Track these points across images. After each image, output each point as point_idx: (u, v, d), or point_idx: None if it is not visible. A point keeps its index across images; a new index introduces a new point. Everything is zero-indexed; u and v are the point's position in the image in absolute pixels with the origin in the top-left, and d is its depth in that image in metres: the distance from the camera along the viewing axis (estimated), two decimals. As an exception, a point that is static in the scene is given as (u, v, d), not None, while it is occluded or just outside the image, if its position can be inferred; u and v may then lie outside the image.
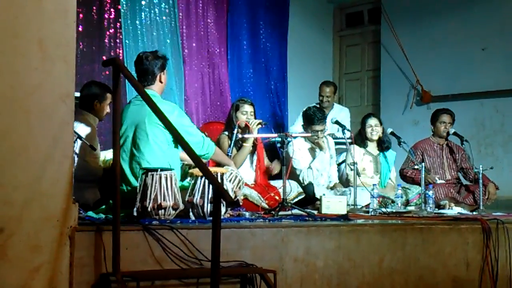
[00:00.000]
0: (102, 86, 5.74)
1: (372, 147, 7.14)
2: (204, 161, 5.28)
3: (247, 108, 6.37)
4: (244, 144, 6.23)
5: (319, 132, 6.73)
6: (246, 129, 6.24)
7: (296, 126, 8.16)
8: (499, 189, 7.19)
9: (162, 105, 4.74)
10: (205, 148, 5.02)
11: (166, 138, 4.82)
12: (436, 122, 7.43)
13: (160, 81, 5.08)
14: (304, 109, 7.02)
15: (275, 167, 6.49)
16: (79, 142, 5.07)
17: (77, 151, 5.10)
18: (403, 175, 7.34)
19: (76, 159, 5.03)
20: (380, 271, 4.83)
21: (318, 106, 7.65)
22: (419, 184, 6.53)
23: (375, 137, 7.07)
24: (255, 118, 6.39)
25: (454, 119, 7.42)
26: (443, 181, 7.16)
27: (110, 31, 7.78)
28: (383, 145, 7.11)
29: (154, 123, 4.76)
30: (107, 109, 5.67)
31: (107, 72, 7.51)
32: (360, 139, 7.15)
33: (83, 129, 5.29)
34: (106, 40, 7.77)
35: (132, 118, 4.92)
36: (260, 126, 6.23)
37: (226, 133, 6.31)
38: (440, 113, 7.46)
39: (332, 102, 8.48)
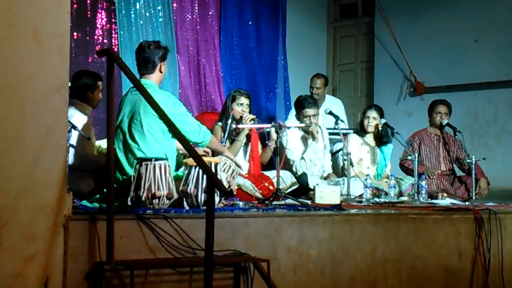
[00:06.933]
0: (92, 75, 5.74)
1: (370, 138, 7.14)
2: (200, 148, 5.30)
3: (243, 100, 6.36)
4: (236, 139, 6.24)
5: (312, 117, 6.71)
6: (240, 120, 6.24)
7: (291, 118, 8.17)
8: (492, 180, 7.19)
9: (157, 94, 4.75)
10: (201, 136, 5.03)
11: (160, 128, 4.81)
12: (432, 113, 7.44)
13: (160, 71, 5.08)
14: (296, 99, 7.04)
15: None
16: (73, 132, 5.08)
17: (71, 141, 5.11)
18: (402, 166, 7.32)
19: (70, 149, 5.05)
20: (373, 260, 4.86)
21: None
22: (419, 175, 6.54)
23: (370, 129, 7.05)
24: (251, 110, 6.39)
25: (451, 110, 7.40)
26: (447, 198, 7.04)
27: (104, 21, 7.78)
28: (380, 139, 7.08)
29: (149, 113, 4.77)
30: (100, 97, 5.68)
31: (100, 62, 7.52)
32: (360, 128, 7.16)
33: (77, 119, 5.30)
34: (100, 31, 7.77)
35: (128, 107, 4.93)
36: (253, 122, 6.23)
37: (220, 124, 6.30)
38: (436, 104, 7.45)
39: (323, 95, 8.50)
